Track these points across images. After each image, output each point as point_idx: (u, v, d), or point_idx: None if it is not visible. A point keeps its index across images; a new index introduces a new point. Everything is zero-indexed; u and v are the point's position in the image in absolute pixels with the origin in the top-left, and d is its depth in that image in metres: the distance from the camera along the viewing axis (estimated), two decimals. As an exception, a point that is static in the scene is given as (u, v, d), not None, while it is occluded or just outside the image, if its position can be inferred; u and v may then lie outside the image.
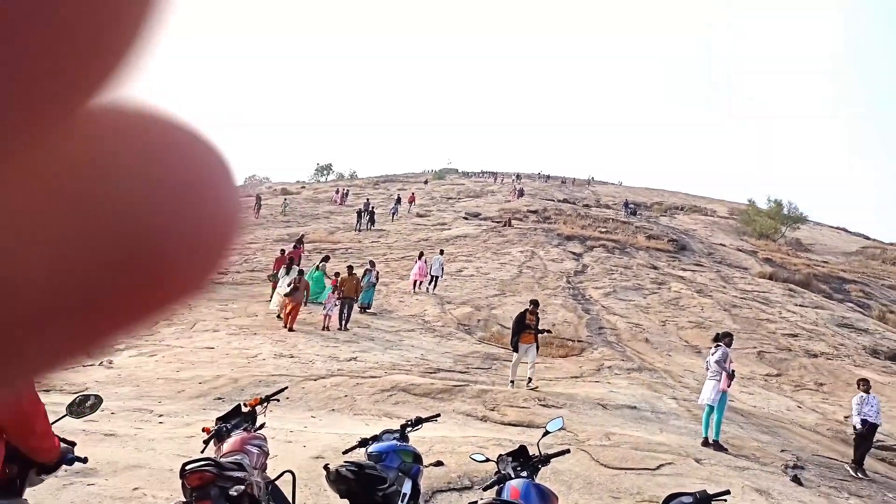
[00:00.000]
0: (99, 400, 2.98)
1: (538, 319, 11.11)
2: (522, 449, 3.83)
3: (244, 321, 13.62)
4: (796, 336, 17.79)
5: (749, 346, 16.00)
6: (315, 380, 9.33)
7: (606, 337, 15.57)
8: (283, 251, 17.88)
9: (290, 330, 13.09)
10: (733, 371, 8.51)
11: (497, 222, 34.00)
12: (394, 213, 36.47)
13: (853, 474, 8.05)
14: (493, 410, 8.64)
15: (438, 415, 4.69)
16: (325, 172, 77.02)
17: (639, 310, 18.88)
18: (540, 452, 3.79)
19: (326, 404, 8.42)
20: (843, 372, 15.01)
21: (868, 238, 56.94)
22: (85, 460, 2.79)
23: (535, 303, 11.47)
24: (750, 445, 8.26)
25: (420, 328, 14.56)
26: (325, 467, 3.47)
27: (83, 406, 2.96)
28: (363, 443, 4.12)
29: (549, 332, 11.85)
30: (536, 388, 9.92)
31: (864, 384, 9.12)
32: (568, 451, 4.15)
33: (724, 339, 8.70)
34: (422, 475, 4.13)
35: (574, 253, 26.90)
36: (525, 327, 10.67)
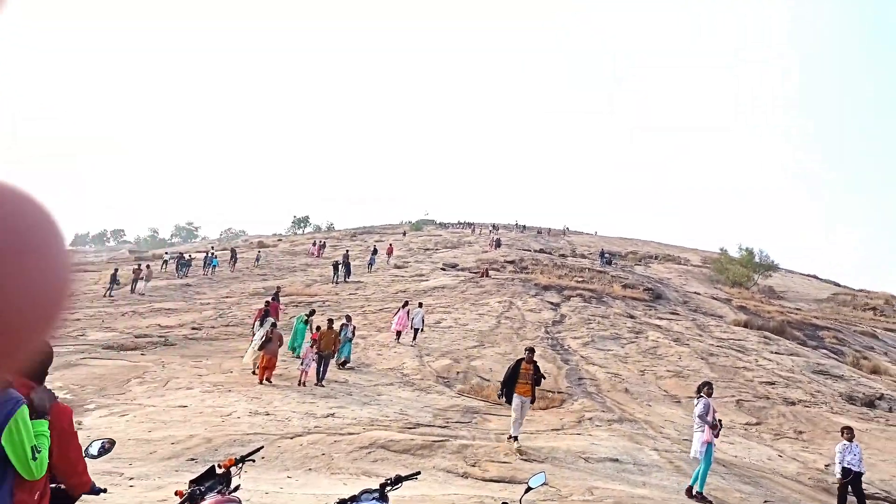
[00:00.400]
0: (112, 443, 3.33)
1: (536, 368, 10.20)
2: None
3: (219, 378, 13.33)
4: (773, 384, 17.89)
5: (727, 395, 16.03)
6: (291, 438, 9.11)
7: (586, 388, 15.51)
8: (267, 303, 17.67)
9: (264, 382, 12.98)
10: (719, 421, 8.50)
11: (474, 273, 34.13)
12: (371, 265, 36.53)
13: None
14: (474, 466, 8.50)
15: (419, 472, 4.60)
16: (301, 225, 77.05)
17: (617, 359, 18.90)
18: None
19: (303, 463, 8.22)
20: (821, 419, 15.07)
21: (838, 285, 58.15)
22: (104, 490, 3.09)
23: (531, 350, 10.57)
24: (733, 497, 8.21)
25: (398, 382, 14.38)
26: None
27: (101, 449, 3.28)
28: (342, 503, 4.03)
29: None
30: (520, 448, 9.28)
31: (849, 432, 9.15)
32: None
33: (703, 389, 8.72)
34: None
35: (551, 303, 27.01)
36: (519, 377, 9.87)
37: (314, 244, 46.52)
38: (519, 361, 10.07)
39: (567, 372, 16.73)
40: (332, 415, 10.82)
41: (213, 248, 48.35)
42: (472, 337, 19.79)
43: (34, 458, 2.26)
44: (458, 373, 15.72)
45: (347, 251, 38.39)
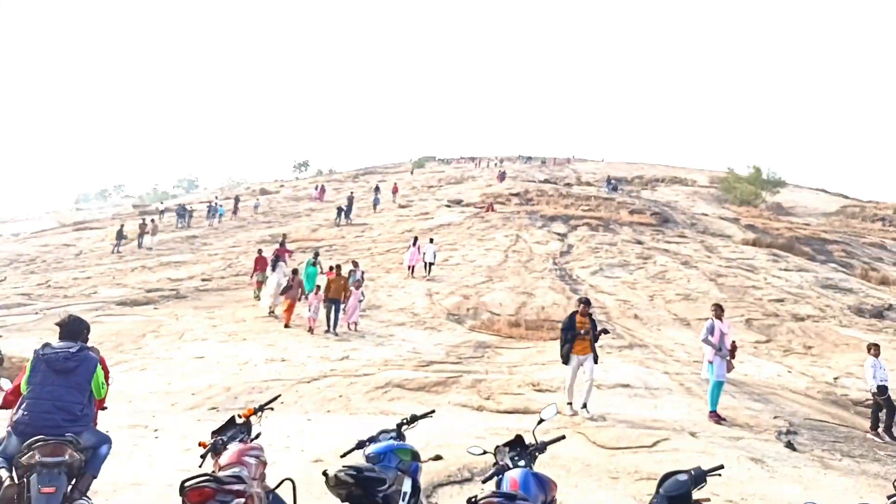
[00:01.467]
0: None
1: (593, 321, 8.68)
2: (519, 438, 3.86)
3: (233, 327, 13.53)
4: (782, 301, 18.00)
5: (737, 315, 16.14)
6: (308, 382, 9.30)
7: (596, 316, 15.64)
8: (260, 251, 18.37)
9: (287, 327, 13.61)
10: (733, 342, 8.52)
11: (479, 208, 33.99)
12: (375, 204, 36.55)
13: (882, 440, 8.09)
14: (488, 400, 8.67)
15: (433, 411, 4.69)
16: (302, 169, 76.47)
17: (626, 286, 19.00)
18: (536, 440, 3.83)
19: (321, 406, 8.40)
20: (829, 333, 15.22)
21: (847, 197, 57.57)
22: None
23: (585, 302, 8.84)
24: (743, 414, 8.38)
25: (410, 321, 14.55)
26: (324, 473, 3.46)
27: None
28: (360, 445, 4.12)
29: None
30: (593, 417, 7.86)
31: (875, 349, 9.06)
32: (563, 437, 4.18)
33: (712, 311, 8.76)
34: (421, 472, 4.14)
35: (558, 234, 26.98)
36: (577, 333, 8.36)
37: (316, 188, 46.35)
38: (572, 315, 8.60)
39: (576, 302, 16.84)
40: (347, 357, 11.01)
41: (216, 197, 48.30)
42: (480, 272, 19.88)
43: (103, 388, 4.13)
44: (468, 309, 15.86)
45: (352, 193, 38.30)
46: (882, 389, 8.59)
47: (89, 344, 4.25)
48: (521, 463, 3.71)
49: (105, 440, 4.02)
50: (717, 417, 8.02)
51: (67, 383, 3.83)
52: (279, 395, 5.48)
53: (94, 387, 3.98)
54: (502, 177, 47.52)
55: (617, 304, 16.82)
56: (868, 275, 24.81)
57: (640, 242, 25.59)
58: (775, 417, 8.40)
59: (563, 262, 21.75)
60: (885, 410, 8.51)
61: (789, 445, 7.07)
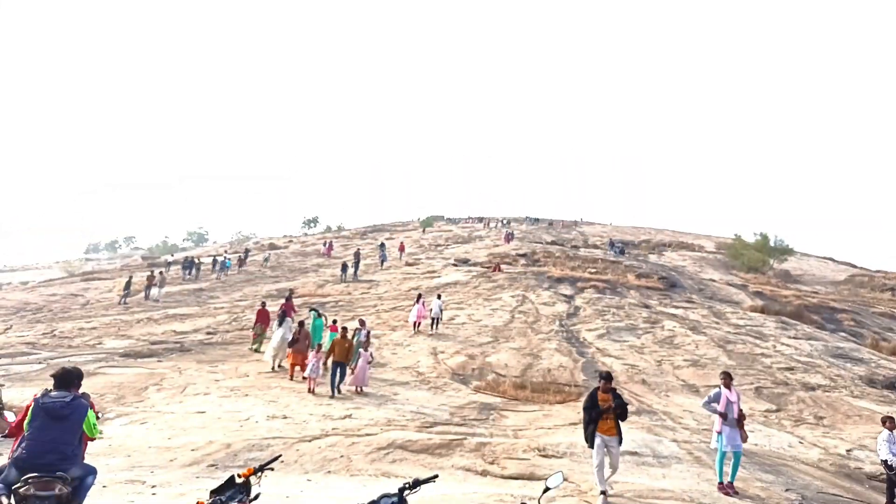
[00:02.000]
0: None
1: (617, 396, 7.79)
2: None
3: (235, 382, 13.41)
4: (792, 369, 17.72)
5: (746, 383, 15.90)
6: (309, 441, 9.14)
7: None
8: (263, 304, 18.81)
9: (294, 378, 13.94)
10: (741, 412, 8.33)
11: (486, 267, 34.06)
12: (383, 260, 36.78)
13: None
14: (492, 464, 8.48)
15: (436, 475, 4.59)
16: (311, 225, 77.21)
17: (633, 350, 18.79)
18: (542, 510, 3.73)
19: (322, 466, 8.24)
20: (841, 404, 14.92)
21: (855, 266, 57.46)
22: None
23: (606, 377, 7.90)
24: (754, 486, 8.14)
25: (414, 380, 14.38)
26: None
27: None
28: (361, 511, 4.02)
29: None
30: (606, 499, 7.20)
31: (890, 422, 8.81)
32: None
33: (721, 379, 8.63)
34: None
35: (565, 295, 26.90)
36: (600, 412, 7.57)
37: (324, 244, 46.74)
38: (594, 392, 7.83)
39: (583, 365, 16.65)
40: (349, 416, 10.84)
41: (225, 250, 48.70)
42: (486, 332, 19.76)
43: (95, 429, 4.84)
44: (473, 369, 15.69)
45: (359, 249, 38.58)
46: (890, 466, 8.32)
47: (83, 390, 5.13)
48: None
49: (91, 471, 4.66)
50: (726, 489, 7.80)
51: (62, 428, 4.51)
52: (280, 456, 5.39)
53: (85, 428, 4.70)
54: (510, 237, 47.83)
55: (624, 368, 16.60)
56: (879, 345, 24.46)
57: (647, 306, 25.46)
58: (787, 490, 8.16)
59: (570, 325, 21.60)
60: None
61: (803, 521, 6.84)
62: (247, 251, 44.74)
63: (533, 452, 8.98)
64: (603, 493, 7.17)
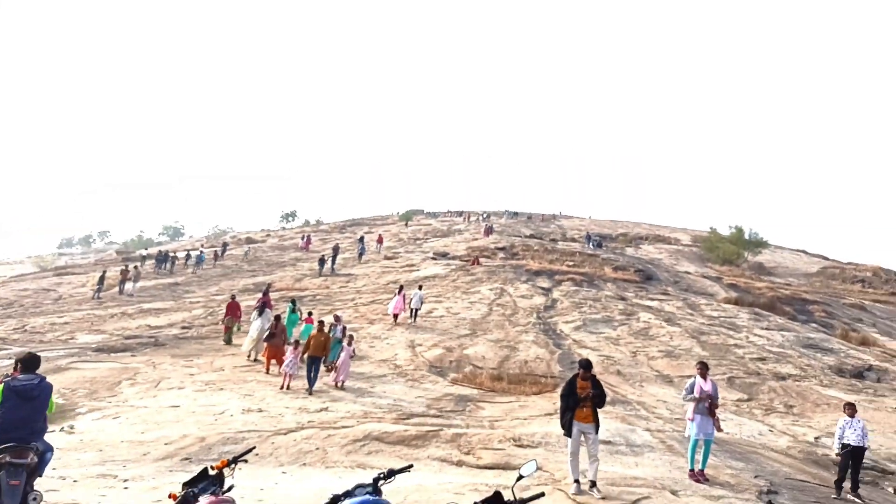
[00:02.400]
0: None
1: (596, 384, 7.71)
2: (497, 495, 3.80)
3: (210, 376, 13.31)
4: (764, 360, 18.05)
5: (719, 373, 16.15)
6: (285, 433, 9.12)
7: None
8: (233, 297, 19.15)
9: (270, 371, 13.99)
10: (712, 401, 8.39)
11: (465, 261, 34.12)
12: (361, 254, 36.74)
13: (840, 498, 8.07)
14: (468, 454, 8.54)
15: (411, 465, 4.61)
16: (290, 220, 76.66)
17: (609, 342, 18.99)
18: (515, 497, 3.77)
19: (297, 458, 8.23)
20: (811, 393, 15.24)
21: (827, 259, 58.59)
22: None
23: (586, 365, 7.83)
24: (724, 473, 8.29)
25: (391, 373, 14.39)
26: None
27: None
28: (335, 500, 4.03)
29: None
30: (604, 497, 7.01)
31: (850, 408, 9.02)
32: (542, 494, 4.11)
33: (697, 368, 8.77)
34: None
35: (543, 288, 27.06)
36: (578, 400, 7.50)
37: (302, 238, 46.47)
38: (573, 379, 7.79)
39: (560, 356, 16.80)
40: (326, 409, 10.83)
41: (202, 245, 48.21)
42: (464, 325, 19.82)
43: (53, 406, 5.37)
44: (450, 362, 15.75)
45: (337, 243, 38.49)
46: (843, 448, 8.51)
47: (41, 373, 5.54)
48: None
49: (50, 448, 5.25)
50: (697, 476, 7.94)
51: (32, 407, 5.09)
52: (254, 448, 5.39)
53: (50, 406, 5.35)
54: (489, 231, 47.86)
55: (600, 359, 16.75)
56: (848, 335, 24.99)
57: (623, 299, 25.72)
58: (756, 477, 8.33)
59: (548, 317, 21.76)
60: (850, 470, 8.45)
61: (770, 506, 7.00)
62: (224, 245, 44.32)
63: (508, 443, 9.06)
64: (576, 481, 7.16)
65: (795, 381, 16.27)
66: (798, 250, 62.05)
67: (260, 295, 19.02)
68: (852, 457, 8.41)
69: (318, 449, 8.53)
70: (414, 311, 20.37)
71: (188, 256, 38.09)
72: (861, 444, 8.46)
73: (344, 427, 9.51)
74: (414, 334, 18.46)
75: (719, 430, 8.41)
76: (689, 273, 36.36)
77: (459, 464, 8.19)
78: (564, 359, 16.60)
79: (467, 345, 17.40)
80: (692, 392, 8.40)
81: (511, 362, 15.98)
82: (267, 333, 14.55)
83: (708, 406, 8.23)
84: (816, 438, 11.71)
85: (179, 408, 10.77)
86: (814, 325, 26.56)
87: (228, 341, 17.11)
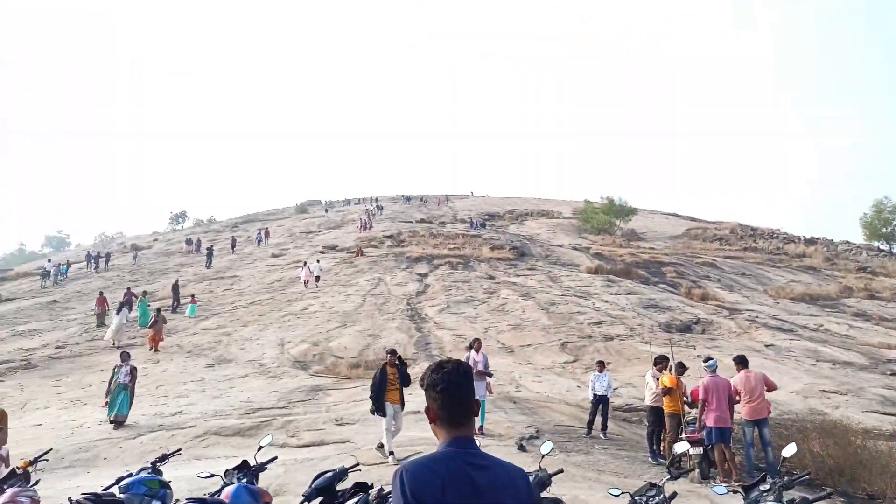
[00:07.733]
0: None
1: (402, 370, 9.00)
2: (244, 462, 5.35)
3: (77, 393, 14.15)
4: (600, 324, 20.56)
5: (555, 340, 18.47)
6: (133, 438, 10.31)
7: (431, 351, 17.42)
8: (101, 292, 25.12)
9: (156, 352, 18.43)
10: (482, 370, 10.29)
11: (351, 253, 35.40)
12: (259, 241, 39.53)
13: (589, 436, 10.23)
14: (292, 437, 10.07)
15: (179, 450, 6.10)
16: (180, 220, 74.95)
17: (468, 321, 20.97)
18: (256, 462, 5.35)
19: (141, 458, 9.43)
20: (628, 350, 17.76)
21: (694, 220, 63.85)
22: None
23: (392, 353, 9.25)
24: (502, 427, 10.25)
25: (255, 372, 15.68)
26: (69, 499, 4.69)
27: None
28: (118, 480, 5.42)
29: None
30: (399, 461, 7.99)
31: (600, 365, 11.24)
32: (276, 458, 5.72)
33: (475, 344, 10.64)
34: (171, 498, 5.47)
35: (420, 274, 28.84)
36: (388, 384, 8.75)
37: (189, 241, 46.15)
38: (384, 367, 8.94)
39: (417, 340, 18.59)
40: (180, 412, 12.03)
41: (49, 260, 44.96)
42: (335, 318, 21.25)
43: None
44: (314, 355, 17.19)
45: (212, 245, 39.77)
46: (594, 397, 10.63)
47: None
48: (244, 480, 5.17)
49: None
50: (475, 432, 9.84)
51: None
52: (50, 450, 6.56)
53: None
54: (366, 226, 47.11)
55: (453, 339, 18.68)
56: (691, 292, 28.24)
57: (491, 278, 27.90)
58: (528, 427, 10.34)
59: (416, 303, 23.53)
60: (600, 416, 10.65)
61: (521, 448, 8.95)
62: (108, 255, 43.41)
63: (330, 423, 10.65)
64: (391, 453, 8.47)
65: (620, 341, 18.79)
66: (670, 214, 67.15)
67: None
68: (600, 403, 10.59)
69: (160, 448, 9.75)
70: (316, 278, 27.31)
71: (46, 274, 35.66)
72: (605, 394, 10.64)
73: (190, 427, 10.78)
74: (284, 332, 19.75)
75: (490, 392, 10.36)
76: (560, 246, 39.16)
77: (283, 446, 9.66)
78: (420, 342, 18.42)
79: (333, 337, 18.87)
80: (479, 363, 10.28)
81: (371, 350, 17.60)
82: (152, 322, 19.26)
83: (477, 372, 10.16)
84: (614, 389, 13.99)
85: (41, 426, 11.65)
86: (664, 285, 29.73)
87: (101, 324, 22.46)
